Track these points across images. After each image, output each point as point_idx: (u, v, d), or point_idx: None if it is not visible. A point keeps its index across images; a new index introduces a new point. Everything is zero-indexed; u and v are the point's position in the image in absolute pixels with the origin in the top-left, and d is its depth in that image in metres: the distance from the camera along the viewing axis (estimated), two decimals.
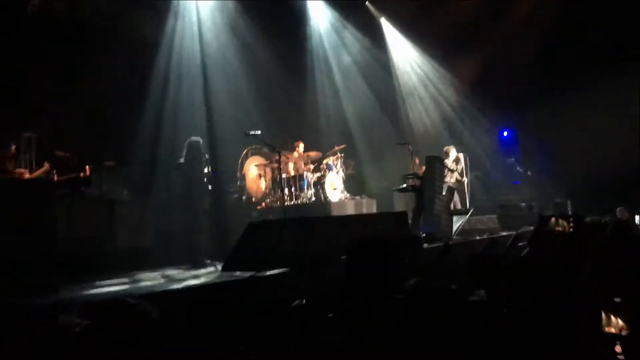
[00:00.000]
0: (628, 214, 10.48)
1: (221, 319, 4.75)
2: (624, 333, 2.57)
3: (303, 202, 11.73)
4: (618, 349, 2.51)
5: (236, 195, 12.01)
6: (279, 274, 5.91)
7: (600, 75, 13.41)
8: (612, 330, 2.56)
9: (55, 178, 8.70)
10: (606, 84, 13.29)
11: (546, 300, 2.52)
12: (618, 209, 10.64)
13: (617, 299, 2.60)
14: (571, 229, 3.47)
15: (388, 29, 16.03)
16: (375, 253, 2.40)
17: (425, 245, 8.11)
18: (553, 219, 3.68)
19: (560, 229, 3.57)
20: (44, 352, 3.33)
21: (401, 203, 12.63)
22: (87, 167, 8.92)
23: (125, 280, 6.80)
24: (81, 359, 2.63)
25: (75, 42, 9.58)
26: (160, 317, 1.95)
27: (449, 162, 12.10)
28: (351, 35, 15.17)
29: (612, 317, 2.51)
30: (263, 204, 12.04)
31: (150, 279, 6.82)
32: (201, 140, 8.55)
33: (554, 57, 14.37)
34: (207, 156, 8.64)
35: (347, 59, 15.19)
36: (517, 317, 2.48)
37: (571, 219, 3.59)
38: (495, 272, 3.02)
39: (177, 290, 5.44)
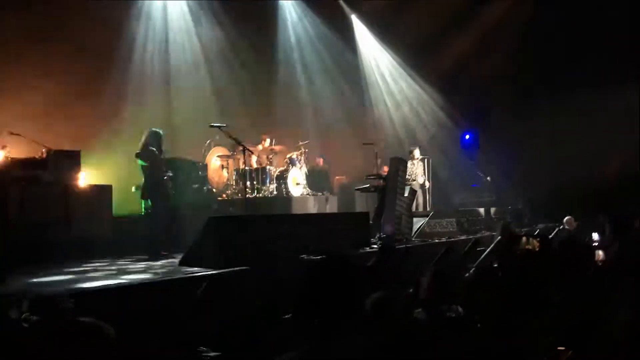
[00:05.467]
0: (576, 223, 10.46)
1: (178, 317, 4.65)
2: None
3: (265, 196, 11.65)
4: None
5: (197, 186, 11.82)
6: (238, 272, 5.82)
7: (568, 85, 13.69)
8: None
9: (10, 159, 8.44)
10: (572, 94, 13.57)
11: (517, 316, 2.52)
12: (566, 218, 10.55)
13: (560, 348, 2.52)
14: (539, 249, 3.52)
15: (358, 27, 16.01)
16: (337, 274, 2.34)
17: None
18: (524, 238, 3.74)
19: (530, 247, 3.63)
20: None
21: (362, 202, 12.68)
22: (44, 149, 8.67)
23: (77, 270, 6.60)
24: (26, 355, 2.52)
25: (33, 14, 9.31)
26: (116, 336, 1.86)
27: (413, 163, 12.17)
28: (322, 31, 15.07)
29: None
30: (224, 195, 11.91)
31: (104, 271, 6.62)
32: (161, 131, 8.41)
33: (524, 63, 14.57)
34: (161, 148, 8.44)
35: (317, 56, 15.11)
36: (492, 332, 2.48)
37: (539, 239, 3.65)
38: (462, 288, 3.03)
39: (132, 285, 5.30)
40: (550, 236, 8.55)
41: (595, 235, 6.66)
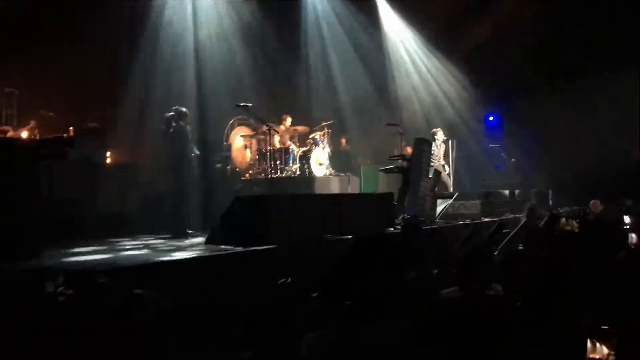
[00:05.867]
0: (602, 206, 10.32)
1: (207, 294, 4.71)
2: None
3: (288, 176, 11.65)
4: None
5: (220, 165, 11.89)
6: (264, 250, 5.86)
7: (592, 67, 13.45)
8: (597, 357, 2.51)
9: (39, 137, 8.55)
10: (597, 76, 13.33)
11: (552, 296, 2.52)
12: (592, 201, 10.42)
13: (604, 327, 2.51)
14: (579, 230, 3.49)
15: (382, 5, 15.81)
16: (376, 251, 2.34)
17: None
18: (564, 219, 3.70)
19: (569, 228, 3.61)
20: (27, 318, 3.27)
21: (385, 183, 12.64)
22: (71, 127, 8.77)
23: (106, 247, 6.69)
24: (64, 327, 2.57)
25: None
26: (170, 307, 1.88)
27: (436, 145, 12.06)
28: (345, 10, 14.90)
29: (598, 345, 2.46)
30: (247, 175, 11.95)
31: (133, 248, 6.72)
32: (186, 110, 8.47)
33: (547, 46, 14.34)
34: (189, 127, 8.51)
35: (341, 36, 14.96)
36: (532, 311, 2.49)
37: (579, 220, 3.61)
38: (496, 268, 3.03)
39: (160, 262, 5.37)
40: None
41: (627, 218, 6.56)
